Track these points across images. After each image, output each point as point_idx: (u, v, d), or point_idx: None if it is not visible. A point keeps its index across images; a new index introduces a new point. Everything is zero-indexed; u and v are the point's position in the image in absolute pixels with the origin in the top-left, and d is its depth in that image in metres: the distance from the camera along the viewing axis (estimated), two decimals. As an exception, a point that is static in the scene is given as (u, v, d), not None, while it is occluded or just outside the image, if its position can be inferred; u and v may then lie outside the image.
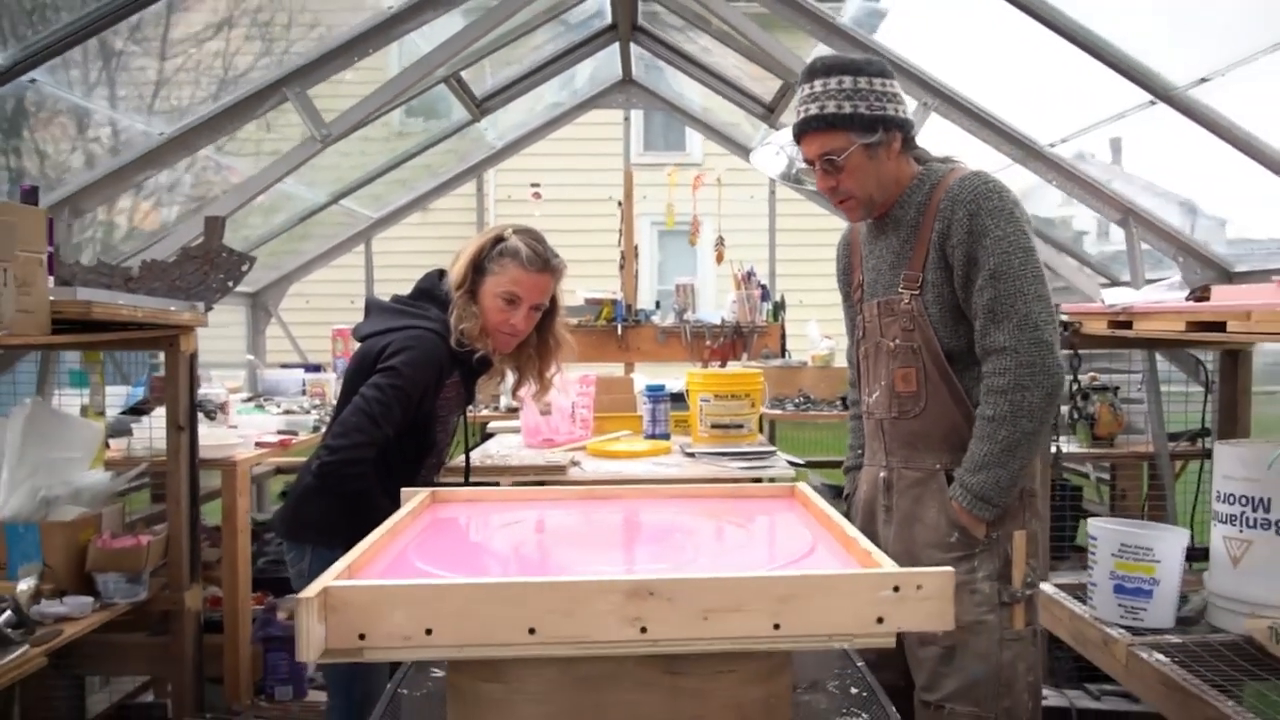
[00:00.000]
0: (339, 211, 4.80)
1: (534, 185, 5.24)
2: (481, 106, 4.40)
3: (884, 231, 2.27)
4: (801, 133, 2.23)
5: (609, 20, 4.28)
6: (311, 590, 1.31)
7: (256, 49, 3.12)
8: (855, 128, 2.15)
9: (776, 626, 1.35)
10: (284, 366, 4.85)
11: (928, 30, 3.29)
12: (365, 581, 1.49)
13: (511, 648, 1.36)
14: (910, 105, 3.30)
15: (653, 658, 1.41)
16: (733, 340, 4.92)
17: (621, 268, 4.96)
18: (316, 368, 4.85)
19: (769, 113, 4.47)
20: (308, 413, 4.12)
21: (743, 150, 5.17)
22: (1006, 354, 2.03)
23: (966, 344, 2.12)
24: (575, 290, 4.81)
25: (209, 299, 2.91)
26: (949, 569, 1.37)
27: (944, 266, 2.12)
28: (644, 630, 1.33)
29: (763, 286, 5.04)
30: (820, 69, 2.21)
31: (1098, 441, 3.40)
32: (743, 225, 5.66)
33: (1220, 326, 2.04)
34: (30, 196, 2.51)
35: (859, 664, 1.94)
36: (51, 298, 2.27)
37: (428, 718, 1.75)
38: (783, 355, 4.97)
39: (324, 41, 3.10)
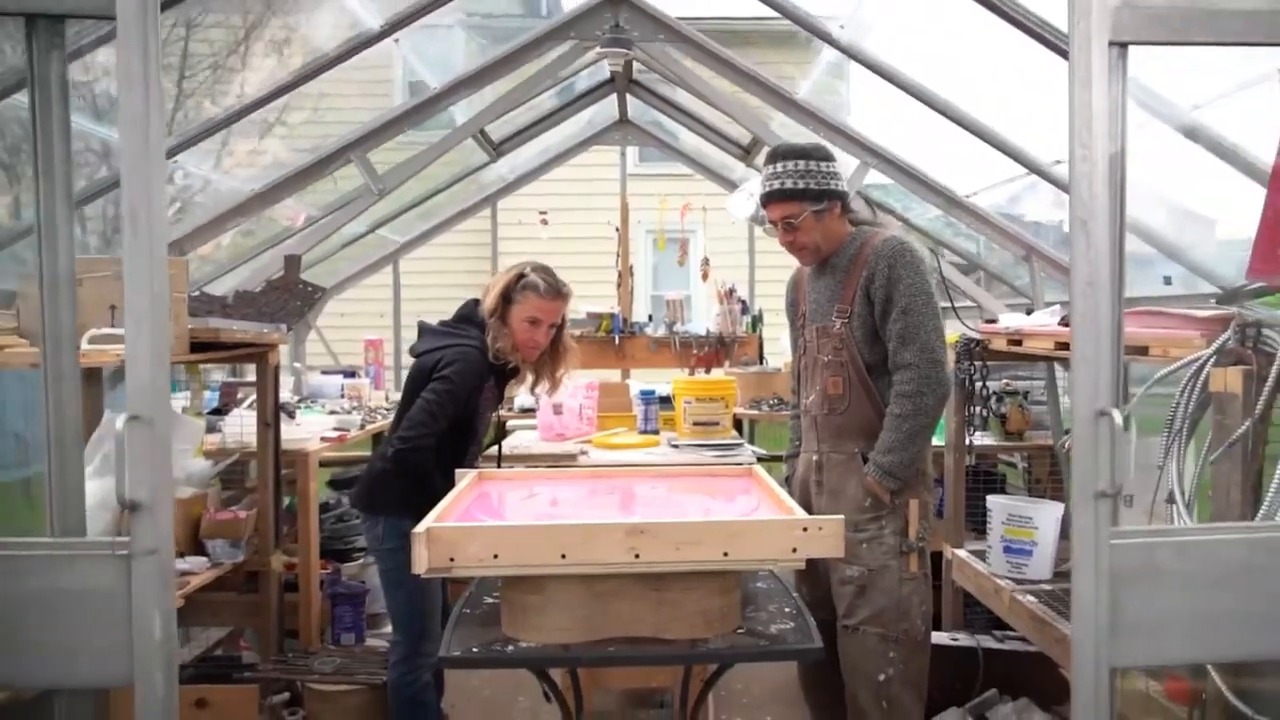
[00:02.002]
0: (372, 237, 5.57)
1: (541, 212, 5.99)
2: (498, 149, 5.17)
3: (824, 274, 3.07)
4: (767, 201, 3.04)
5: (608, 75, 5.04)
6: (420, 528, 2.11)
7: (329, 118, 3.89)
8: (807, 198, 2.95)
9: (726, 554, 2.14)
10: (324, 373, 5.61)
11: (868, 103, 4.07)
12: (454, 523, 2.29)
13: (549, 568, 2.15)
14: (854, 164, 4.11)
15: (643, 577, 2.19)
16: (716, 349, 5.67)
17: (618, 285, 5.72)
18: (352, 373, 5.61)
19: (745, 153, 5.25)
20: (349, 413, 4.88)
21: (726, 181, 5.94)
22: (911, 368, 2.82)
23: (880, 359, 2.91)
24: (577, 305, 5.57)
25: (289, 322, 3.68)
26: (840, 516, 2.18)
27: (867, 302, 2.91)
28: (637, 556, 2.13)
29: (743, 301, 5.79)
30: (781, 154, 3.02)
31: (1009, 436, 4.20)
32: (726, 247, 6.44)
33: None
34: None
35: (794, 595, 2.71)
36: (190, 326, 3.05)
37: (485, 628, 2.51)
38: (760, 362, 5.73)
39: (380, 115, 3.88)
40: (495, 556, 2.16)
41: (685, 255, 5.94)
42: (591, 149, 5.92)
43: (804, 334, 3.15)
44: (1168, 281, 3.72)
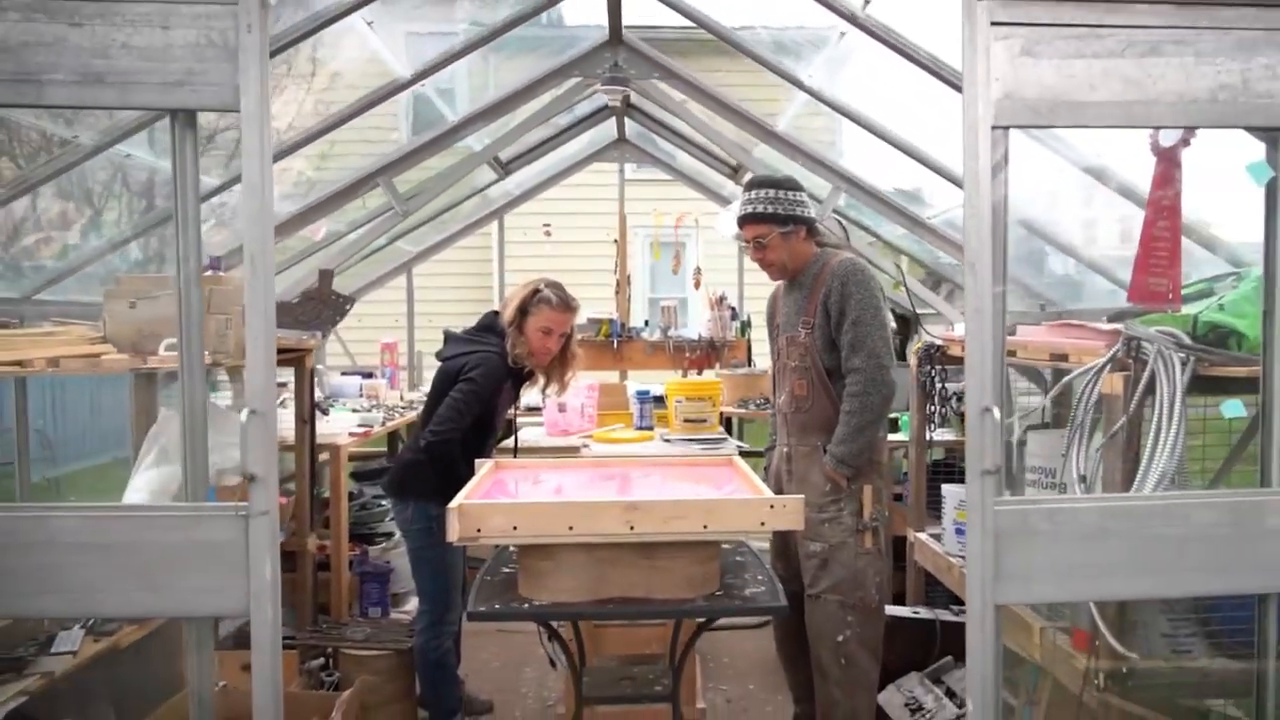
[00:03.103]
0: (389, 247, 6.10)
1: (545, 225, 6.50)
2: (506, 168, 5.70)
3: (792, 290, 3.60)
4: (742, 223, 3.56)
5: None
6: (453, 504, 2.63)
7: (358, 149, 4.41)
8: (775, 222, 3.48)
9: (705, 526, 2.67)
10: (344, 373, 6.13)
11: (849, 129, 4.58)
12: (480, 500, 2.82)
13: (558, 538, 2.66)
14: (829, 188, 4.64)
15: (637, 546, 2.71)
16: (707, 352, 6.20)
17: (617, 292, 6.25)
18: (370, 374, 6.14)
19: (734, 171, 5.77)
20: (369, 411, 5.40)
21: (717, 196, 6.46)
22: (859, 372, 3.34)
23: (837, 365, 3.43)
24: (580, 312, 6.08)
25: (324, 329, 4.21)
26: (800, 496, 2.71)
27: (825, 315, 3.43)
28: (632, 528, 2.65)
29: (733, 308, 6.33)
30: (756, 184, 3.55)
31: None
32: (718, 252, 6.97)
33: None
34: (216, 264, 3.81)
35: (766, 566, 3.23)
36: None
37: (504, 591, 3.03)
38: (748, 364, 6.27)
39: (404, 145, 4.40)
40: (514, 528, 2.69)
41: (679, 264, 6.47)
42: (591, 166, 6.43)
43: (777, 343, 3.68)
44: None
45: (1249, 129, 2.31)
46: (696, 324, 6.70)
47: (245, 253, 2.01)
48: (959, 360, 4.25)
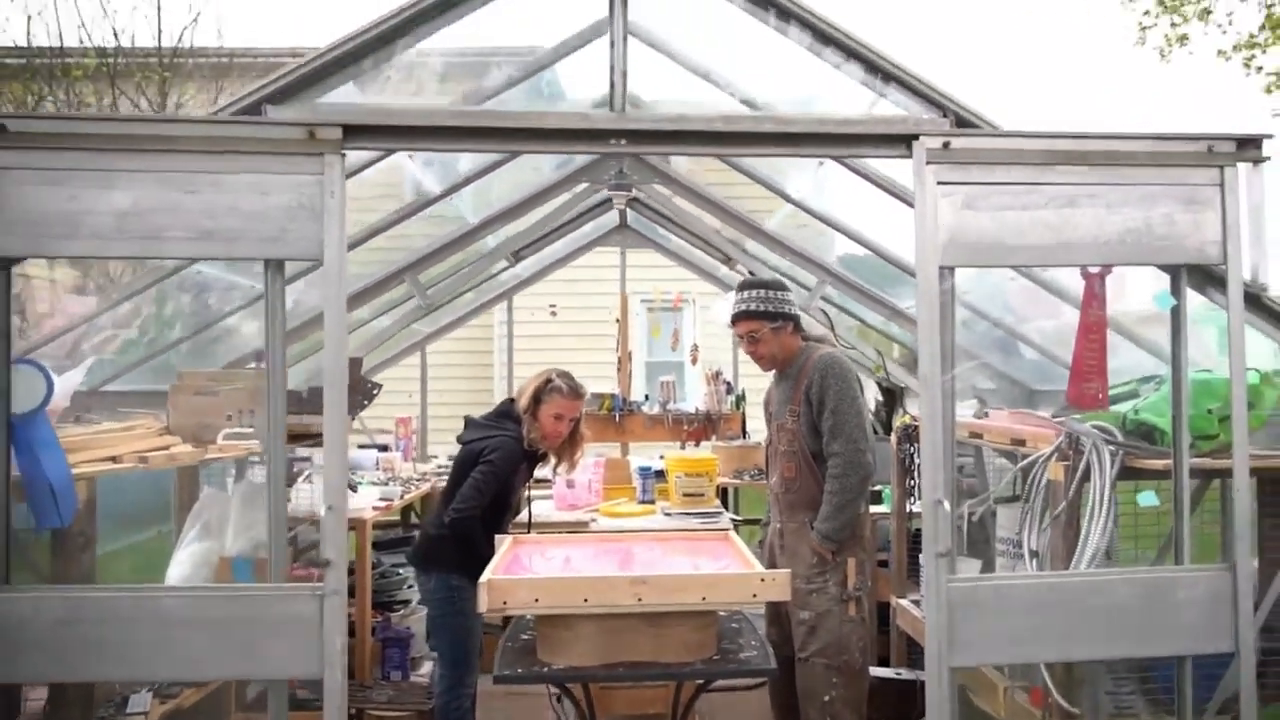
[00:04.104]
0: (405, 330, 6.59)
1: (552, 306, 7.00)
2: (517, 255, 6.21)
3: (781, 381, 4.08)
4: (735, 320, 4.05)
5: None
6: (483, 580, 3.07)
7: (381, 242, 4.89)
8: (766, 318, 3.97)
9: (704, 598, 3.11)
10: (360, 447, 6.57)
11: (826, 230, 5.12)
12: (506, 576, 3.26)
13: (574, 609, 3.10)
14: (812, 281, 5.16)
15: (644, 615, 3.15)
16: (704, 425, 6.67)
17: (618, 369, 6.74)
18: (385, 447, 6.58)
19: (727, 259, 6.29)
20: (386, 484, 5.83)
21: (714, 278, 6.97)
22: (839, 456, 3.80)
23: (820, 449, 3.89)
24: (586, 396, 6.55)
25: (353, 413, 4.67)
26: (788, 570, 3.16)
27: (809, 404, 3.90)
28: (640, 599, 3.09)
29: (728, 383, 6.82)
30: (748, 285, 4.05)
31: (946, 504, 5.17)
32: (713, 329, 7.47)
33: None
34: (261, 358, 4.28)
35: (758, 632, 3.66)
36: (289, 422, 4.03)
37: (523, 655, 3.45)
38: (743, 436, 6.73)
39: (431, 242, 4.91)
40: (536, 600, 3.13)
41: (677, 341, 6.97)
42: (595, 249, 6.95)
43: (770, 429, 4.15)
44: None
45: (1155, 266, 2.81)
46: (693, 393, 7.20)
47: (326, 377, 2.49)
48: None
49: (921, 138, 2.62)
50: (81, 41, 10.70)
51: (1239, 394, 2.73)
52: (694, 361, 6.99)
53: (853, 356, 5.78)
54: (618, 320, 6.79)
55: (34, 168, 2.42)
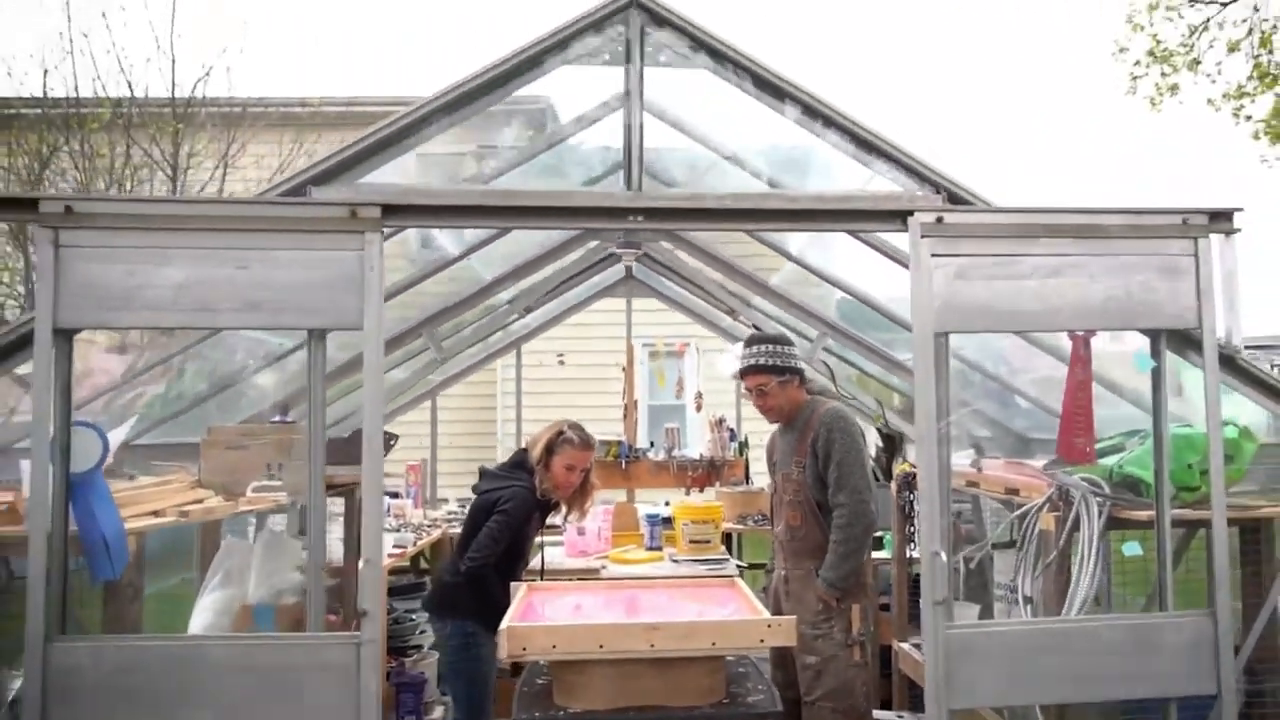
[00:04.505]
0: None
1: (560, 355, 7.22)
2: (526, 308, 6.43)
3: (787, 432, 4.28)
4: (744, 374, 4.25)
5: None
6: (503, 626, 3.25)
7: (401, 301, 5.11)
8: (774, 373, 4.17)
9: (713, 644, 3.29)
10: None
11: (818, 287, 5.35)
12: (524, 623, 3.44)
13: (590, 654, 3.27)
14: (813, 334, 5.37)
15: (655, 661, 3.32)
16: (708, 471, 6.86)
17: (625, 417, 6.93)
18: (395, 494, 6.75)
19: (732, 312, 6.52)
20: (398, 530, 5.99)
21: (718, 328, 7.19)
22: (844, 507, 3.99)
23: (826, 499, 4.08)
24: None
25: (371, 463, 4.85)
26: (793, 617, 3.34)
27: (814, 456, 4.10)
28: (652, 645, 3.26)
29: (731, 429, 7.02)
30: (755, 340, 4.26)
31: (946, 550, 5.35)
32: (717, 374, 7.67)
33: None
34: (284, 412, 4.48)
35: (764, 676, 3.83)
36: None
37: (539, 699, 3.61)
38: (746, 482, 6.91)
39: (445, 299, 5.13)
40: (554, 646, 3.30)
41: (681, 390, 7.17)
42: (602, 299, 7.18)
43: (774, 478, 4.34)
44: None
45: (1135, 330, 3.02)
46: (695, 439, 7.39)
47: (365, 440, 2.70)
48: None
49: (916, 213, 2.85)
50: (96, 93, 11.01)
51: (1215, 449, 2.94)
52: (698, 408, 7.20)
53: (853, 404, 5.99)
54: (624, 369, 7.00)
55: (96, 245, 2.64)
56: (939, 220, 2.86)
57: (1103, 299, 2.92)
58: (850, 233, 3.67)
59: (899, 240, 3.63)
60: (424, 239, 4.86)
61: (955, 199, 2.96)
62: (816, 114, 2.91)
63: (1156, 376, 2.99)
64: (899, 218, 2.89)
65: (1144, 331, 3.02)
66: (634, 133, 2.84)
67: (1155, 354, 2.99)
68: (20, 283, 10.54)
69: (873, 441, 6.73)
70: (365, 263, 2.69)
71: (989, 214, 2.93)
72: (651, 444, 7.19)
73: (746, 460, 7.00)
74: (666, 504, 6.90)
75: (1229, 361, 3.04)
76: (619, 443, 6.85)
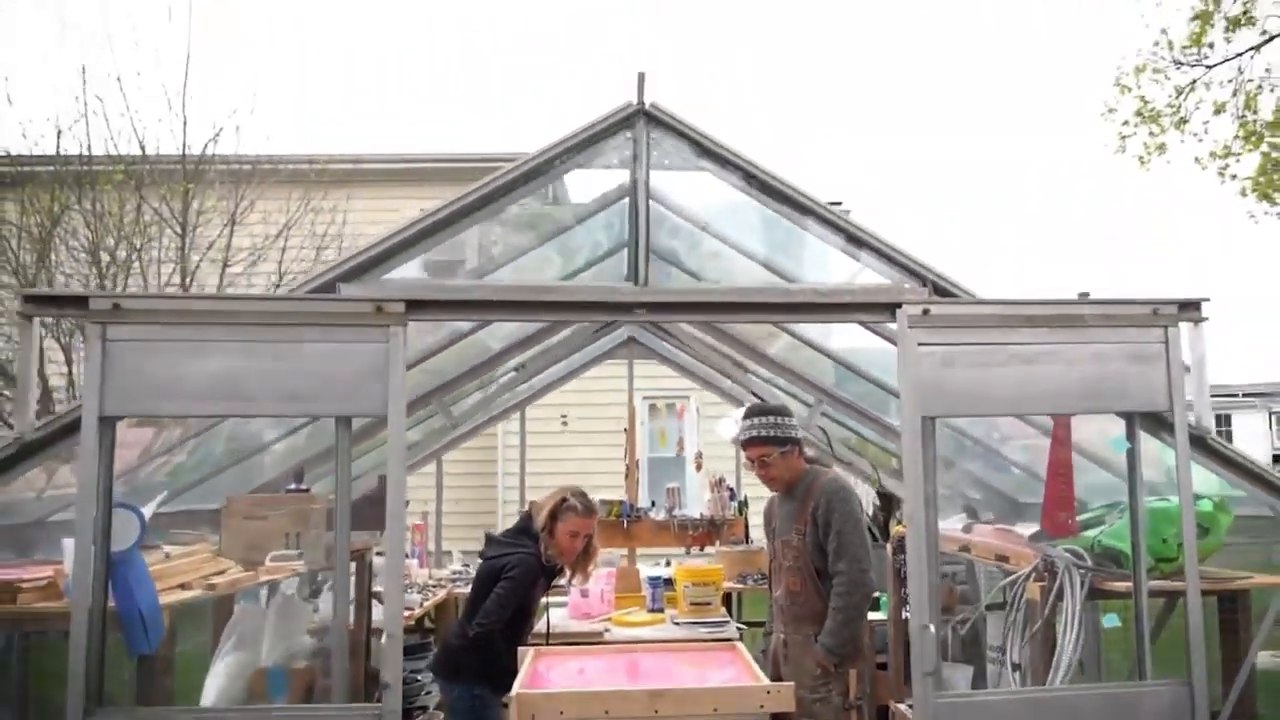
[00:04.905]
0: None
1: (563, 416, 7.42)
2: (528, 369, 6.65)
3: (787, 500, 4.46)
4: (745, 445, 4.44)
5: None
6: (512, 694, 3.41)
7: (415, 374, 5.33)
8: (775, 443, 4.36)
9: (715, 709, 3.45)
10: (378, 554, 6.90)
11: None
12: (534, 690, 3.61)
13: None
14: (811, 399, 5.58)
15: (661, 725, 3.47)
16: (708, 530, 7.02)
17: (626, 476, 7.11)
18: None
19: (731, 376, 6.73)
20: (404, 592, 6.15)
21: (718, 390, 7.40)
22: (843, 575, 4.17)
23: (825, 565, 4.26)
24: (592, 493, 6.92)
25: (381, 529, 5.02)
26: (791, 684, 3.51)
27: (815, 524, 4.28)
28: (656, 711, 3.43)
29: (730, 489, 7.20)
30: (756, 411, 4.46)
31: (942, 611, 5.51)
32: (717, 444, 7.87)
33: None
34: (300, 479, 4.67)
35: (766, 739, 3.97)
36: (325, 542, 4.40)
37: (549, 764, 3.76)
38: (746, 542, 7.08)
39: (457, 367, 5.35)
40: (561, 713, 3.46)
41: (682, 449, 7.36)
42: (604, 362, 7.40)
43: (774, 544, 4.52)
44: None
45: (1111, 413, 3.23)
46: (695, 496, 7.57)
47: (388, 519, 2.89)
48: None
49: (904, 305, 3.07)
50: (108, 151, 11.29)
51: (1188, 525, 3.13)
52: (698, 468, 7.38)
53: (848, 468, 6.18)
54: (626, 429, 7.19)
55: (140, 339, 2.86)
56: (925, 312, 3.08)
57: (1079, 384, 3.13)
58: (842, 321, 3.89)
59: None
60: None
61: (941, 291, 3.18)
62: (810, 212, 3.14)
63: (1132, 457, 3.19)
64: (888, 310, 3.11)
65: (1119, 414, 3.23)
66: (640, 231, 3.07)
67: (1130, 436, 3.19)
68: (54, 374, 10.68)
69: (870, 501, 6.92)
70: (390, 354, 2.90)
71: (972, 305, 3.15)
72: (653, 503, 7.35)
73: (746, 520, 7.17)
74: (667, 563, 7.07)
75: (1200, 442, 3.25)
76: (621, 502, 7.01)
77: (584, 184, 3.98)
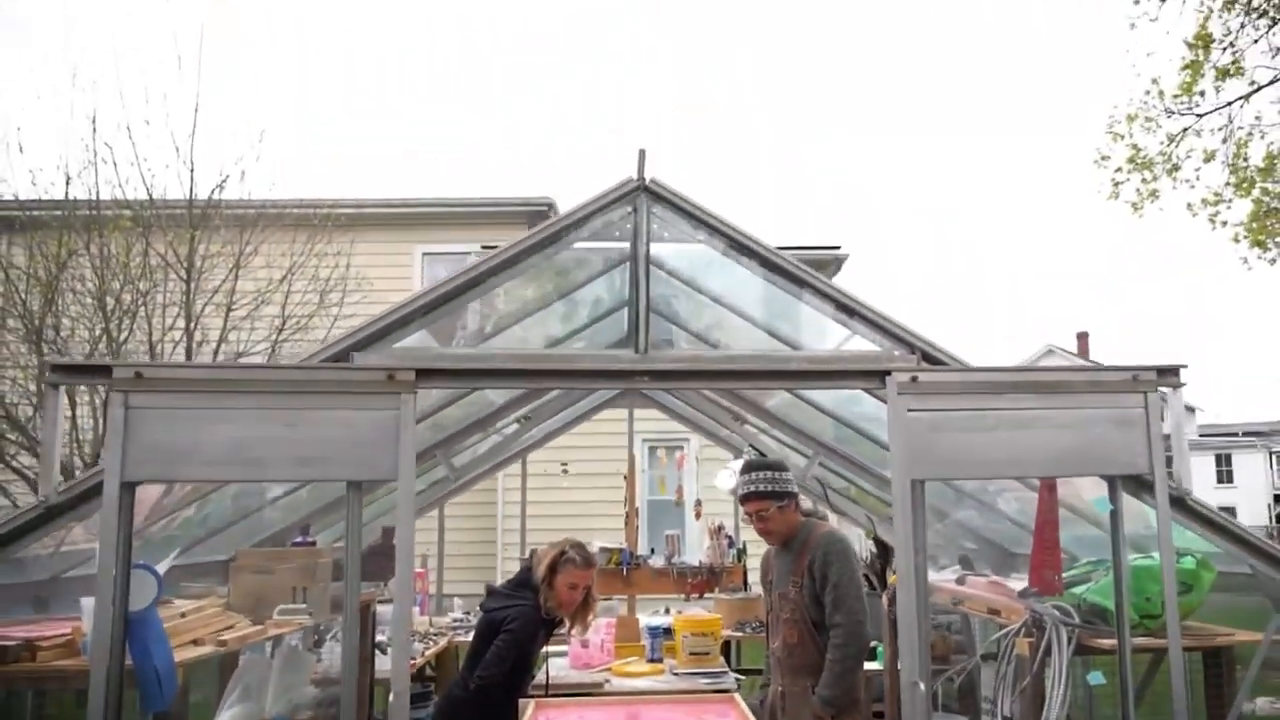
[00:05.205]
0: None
1: (563, 464, 7.53)
2: (530, 418, 6.78)
3: (784, 553, 4.58)
4: (744, 499, 4.56)
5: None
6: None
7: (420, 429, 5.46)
8: (773, 498, 4.48)
9: (712, 761, 3.55)
10: (380, 602, 6.99)
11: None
12: (538, 744, 3.70)
13: (600, 774, 3.54)
14: (806, 457, 5.71)
15: (660, 779, 3.58)
16: (707, 577, 7.13)
17: (626, 524, 7.22)
18: (403, 600, 6.99)
19: (734, 418, 6.86)
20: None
21: (718, 438, 7.52)
22: (840, 627, 4.27)
23: (822, 618, 4.36)
24: (591, 540, 7.02)
25: (385, 579, 5.13)
26: (789, 737, 3.60)
27: (811, 577, 4.39)
28: (657, 765, 3.53)
29: (729, 537, 7.30)
30: (754, 466, 4.58)
31: (936, 660, 5.60)
32: (715, 492, 7.99)
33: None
34: (306, 532, 4.79)
35: (763, 792, 4.07)
36: (331, 593, 4.50)
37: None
38: (744, 589, 7.17)
39: (462, 421, 5.48)
40: (565, 768, 3.56)
41: (681, 497, 7.47)
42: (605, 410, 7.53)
43: (771, 596, 4.63)
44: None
45: (1094, 476, 3.36)
46: (694, 540, 7.67)
47: (396, 583, 3.01)
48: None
49: (893, 373, 3.21)
50: (115, 196, 11.48)
51: (1169, 584, 3.24)
52: (697, 516, 7.49)
53: (845, 518, 6.30)
54: (625, 477, 7.30)
55: (159, 407, 2.99)
56: (914, 379, 3.22)
57: (1063, 448, 3.26)
58: (835, 387, 4.02)
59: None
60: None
61: (929, 358, 3.32)
62: (804, 283, 3.29)
63: (1115, 519, 3.31)
64: (878, 376, 3.25)
65: (1102, 476, 3.36)
66: (640, 301, 3.22)
67: (1113, 498, 3.31)
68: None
69: (867, 548, 7.02)
70: (401, 421, 3.04)
71: (959, 373, 3.29)
72: (652, 550, 7.46)
73: (745, 567, 7.27)
74: (667, 611, 7.15)
75: (1179, 503, 3.37)
76: (621, 550, 7.12)
77: (587, 260, 4.15)
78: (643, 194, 3.25)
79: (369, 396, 3.06)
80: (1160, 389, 3.35)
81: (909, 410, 3.22)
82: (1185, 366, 3.37)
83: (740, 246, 3.30)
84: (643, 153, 3.27)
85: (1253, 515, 39.29)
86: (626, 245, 3.32)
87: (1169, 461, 3.34)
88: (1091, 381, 3.32)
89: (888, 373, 3.22)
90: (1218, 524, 3.43)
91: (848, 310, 3.33)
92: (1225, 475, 41.64)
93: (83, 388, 10.27)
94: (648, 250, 3.26)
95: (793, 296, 3.33)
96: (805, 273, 3.32)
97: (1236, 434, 39.22)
